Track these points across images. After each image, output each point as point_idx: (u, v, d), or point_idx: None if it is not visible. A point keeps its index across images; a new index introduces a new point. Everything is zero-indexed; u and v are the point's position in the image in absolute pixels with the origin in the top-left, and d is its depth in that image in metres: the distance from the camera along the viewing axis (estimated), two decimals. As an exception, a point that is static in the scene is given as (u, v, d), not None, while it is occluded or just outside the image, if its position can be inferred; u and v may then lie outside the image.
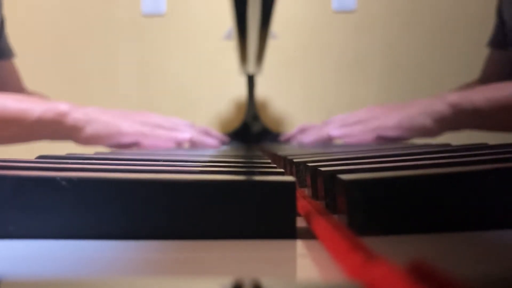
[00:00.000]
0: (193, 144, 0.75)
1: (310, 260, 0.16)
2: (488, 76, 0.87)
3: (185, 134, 0.73)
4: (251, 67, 0.94)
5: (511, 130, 0.76)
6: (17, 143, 0.79)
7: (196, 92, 1.26)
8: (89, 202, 0.19)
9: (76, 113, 0.68)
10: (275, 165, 0.31)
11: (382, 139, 0.74)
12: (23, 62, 1.07)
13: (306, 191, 0.31)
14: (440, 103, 0.68)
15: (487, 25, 0.92)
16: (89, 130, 0.68)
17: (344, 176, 0.20)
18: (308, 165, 0.31)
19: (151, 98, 1.26)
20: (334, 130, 0.76)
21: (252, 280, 0.12)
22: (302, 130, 0.89)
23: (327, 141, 0.78)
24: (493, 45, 0.87)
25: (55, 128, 0.67)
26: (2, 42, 0.86)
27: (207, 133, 0.85)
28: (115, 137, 0.70)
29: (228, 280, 0.11)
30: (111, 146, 0.72)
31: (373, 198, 0.19)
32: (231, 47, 0.98)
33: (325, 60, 1.27)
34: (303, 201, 0.24)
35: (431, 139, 0.78)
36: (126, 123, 0.70)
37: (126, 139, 0.70)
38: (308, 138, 0.80)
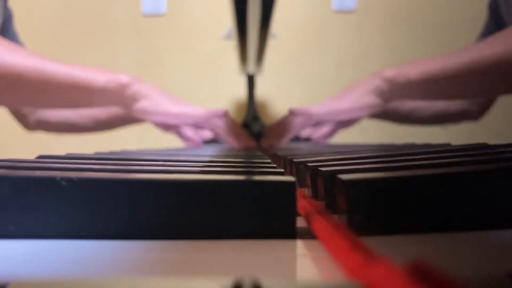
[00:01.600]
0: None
1: (310, 260, 0.16)
2: None
3: (221, 122, 0.80)
4: (251, 67, 0.94)
5: (438, 98, 0.84)
6: (81, 109, 0.86)
7: (196, 92, 1.26)
8: (89, 202, 0.19)
9: (135, 86, 0.74)
10: (275, 165, 0.31)
11: (340, 124, 0.83)
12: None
13: (306, 191, 0.31)
14: (378, 79, 0.76)
15: (487, 25, 0.92)
16: (141, 104, 0.74)
17: (344, 176, 0.20)
18: (308, 165, 0.31)
19: (151, 98, 1.26)
20: (303, 132, 0.84)
21: (252, 280, 0.12)
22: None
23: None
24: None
25: (115, 97, 0.73)
26: (11, 37, 0.89)
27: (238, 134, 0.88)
28: (161, 116, 0.76)
29: (228, 280, 0.11)
30: (157, 123, 0.79)
31: (373, 198, 0.19)
32: (231, 47, 0.98)
33: (325, 60, 1.27)
34: (303, 201, 0.24)
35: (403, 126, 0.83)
36: (173, 104, 0.77)
37: (170, 120, 0.77)
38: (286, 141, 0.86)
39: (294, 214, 0.20)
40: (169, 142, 0.93)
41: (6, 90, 0.69)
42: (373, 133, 1.19)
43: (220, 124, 0.81)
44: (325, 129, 0.86)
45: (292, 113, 0.82)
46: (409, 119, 0.95)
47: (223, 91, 1.25)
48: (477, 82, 0.70)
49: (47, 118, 0.92)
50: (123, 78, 0.73)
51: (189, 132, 0.82)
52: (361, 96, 0.77)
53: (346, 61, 1.26)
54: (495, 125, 0.88)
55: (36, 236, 0.19)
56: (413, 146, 0.57)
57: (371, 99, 0.77)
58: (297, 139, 0.99)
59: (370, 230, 0.19)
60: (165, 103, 0.77)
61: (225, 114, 0.81)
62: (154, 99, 0.76)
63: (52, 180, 0.19)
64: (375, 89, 0.76)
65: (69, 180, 0.19)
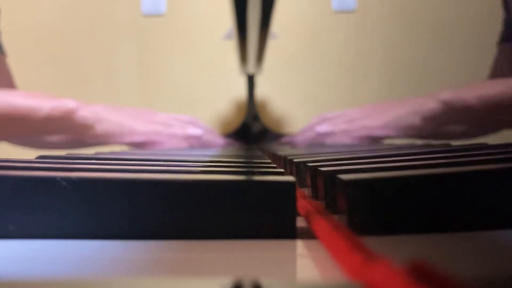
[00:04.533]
0: (202, 142, 0.76)
1: (310, 260, 0.16)
2: (498, 74, 0.86)
3: (197, 130, 0.75)
4: (251, 67, 0.94)
5: (500, 128, 0.77)
6: (25, 139, 0.78)
7: (196, 92, 1.26)
8: (89, 202, 0.19)
9: (84, 111, 0.67)
10: (275, 165, 0.31)
11: (368, 139, 0.76)
12: (23, 62, 1.07)
13: (306, 191, 0.31)
14: (431, 101, 0.69)
15: (488, 25, 0.92)
16: (100, 128, 0.68)
17: (344, 176, 0.20)
18: (308, 165, 0.31)
19: (151, 98, 1.26)
20: (320, 127, 0.78)
21: (252, 280, 0.12)
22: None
23: (317, 139, 0.80)
24: (502, 40, 0.86)
25: (63, 125, 0.67)
26: None
27: (212, 132, 0.86)
28: (127, 136, 0.70)
29: (228, 280, 0.11)
30: (123, 144, 0.73)
31: (373, 198, 0.19)
32: (231, 47, 0.98)
33: (325, 60, 1.27)
34: (303, 201, 0.24)
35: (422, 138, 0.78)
36: (138, 122, 0.71)
37: (139, 138, 0.71)
38: (299, 137, 0.83)
39: (294, 214, 0.20)
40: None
41: None
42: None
43: (204, 141, 0.75)
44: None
45: (316, 131, 0.77)
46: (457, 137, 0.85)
47: (223, 91, 1.25)
48: None
49: None
50: (69, 104, 0.66)
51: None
52: (403, 115, 0.70)
53: (347, 61, 1.26)
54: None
55: (36, 236, 0.19)
56: (413, 146, 0.57)
57: (414, 121, 0.70)
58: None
59: (370, 230, 0.19)
60: (128, 121, 0.70)
61: (204, 133, 0.75)
62: (112, 120, 0.69)
63: (52, 180, 0.19)
64: (425, 112, 0.69)
65: (69, 180, 0.19)
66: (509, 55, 0.85)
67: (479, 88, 0.66)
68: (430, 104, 0.69)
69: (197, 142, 0.76)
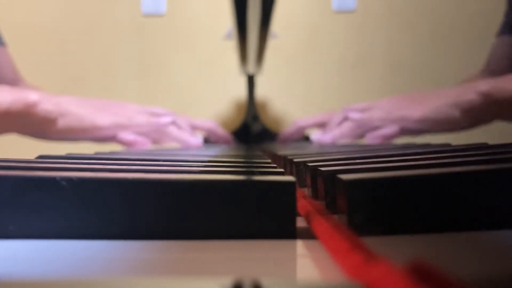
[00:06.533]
0: (174, 138, 0.72)
1: (310, 260, 0.16)
2: (494, 66, 0.84)
3: (166, 118, 0.71)
4: (251, 67, 0.94)
5: None
6: None
7: (196, 92, 1.26)
8: (89, 202, 0.19)
9: (47, 104, 0.63)
10: (275, 165, 0.31)
11: (405, 131, 0.72)
12: (22, 62, 1.07)
13: (306, 191, 0.31)
14: (469, 92, 0.63)
15: (488, 24, 0.92)
16: (62, 123, 0.64)
17: (344, 176, 0.20)
18: (308, 165, 0.31)
19: (151, 98, 1.26)
20: (354, 113, 0.73)
21: (252, 280, 0.12)
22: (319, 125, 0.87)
23: (346, 124, 0.75)
24: (502, 32, 0.85)
25: (24, 120, 0.63)
26: None
27: (211, 130, 0.83)
28: (89, 131, 0.66)
29: (228, 280, 0.11)
30: (86, 140, 0.69)
31: (373, 198, 0.19)
32: (231, 47, 0.98)
33: (325, 60, 1.27)
34: (303, 201, 0.24)
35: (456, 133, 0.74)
36: (101, 116, 0.67)
37: (102, 133, 0.67)
38: (327, 136, 0.77)
39: (294, 214, 0.20)
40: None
41: None
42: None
43: (169, 132, 0.71)
44: (385, 130, 0.73)
45: (347, 117, 0.72)
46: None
47: (223, 91, 1.25)
48: None
49: None
50: (31, 97, 0.61)
51: (128, 135, 0.70)
52: (442, 107, 0.65)
53: (346, 61, 1.26)
54: (495, 125, 0.88)
55: (36, 236, 0.19)
56: (413, 146, 0.57)
57: (453, 114, 0.64)
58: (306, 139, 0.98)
59: (370, 230, 0.19)
60: (91, 116, 0.66)
61: (173, 122, 0.70)
62: (75, 114, 0.65)
63: (52, 180, 0.19)
64: (463, 103, 0.63)
65: (69, 180, 0.19)
66: (507, 48, 0.85)
67: None
68: (468, 95, 0.63)
69: (168, 132, 0.71)
